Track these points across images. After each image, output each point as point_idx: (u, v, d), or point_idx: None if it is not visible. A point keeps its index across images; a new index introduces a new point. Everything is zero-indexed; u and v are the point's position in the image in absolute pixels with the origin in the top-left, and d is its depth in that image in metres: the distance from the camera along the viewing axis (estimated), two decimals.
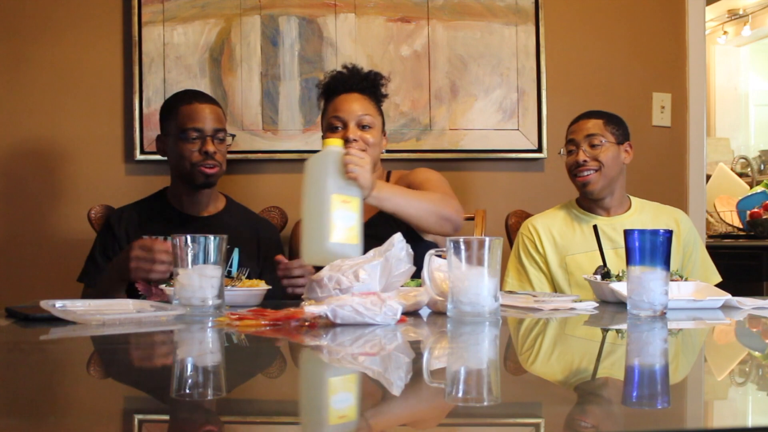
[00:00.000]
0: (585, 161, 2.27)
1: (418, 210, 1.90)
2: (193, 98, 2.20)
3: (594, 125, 2.31)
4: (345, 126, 2.14)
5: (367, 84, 2.22)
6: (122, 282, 1.94)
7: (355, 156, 1.68)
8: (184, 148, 2.14)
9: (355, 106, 2.15)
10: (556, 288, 2.32)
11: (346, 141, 2.09)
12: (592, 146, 2.28)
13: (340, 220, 1.62)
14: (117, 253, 2.12)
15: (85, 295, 2.12)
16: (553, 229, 2.35)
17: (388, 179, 2.26)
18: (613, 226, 2.28)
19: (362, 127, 2.14)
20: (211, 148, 2.13)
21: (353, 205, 1.66)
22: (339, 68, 2.29)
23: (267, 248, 2.22)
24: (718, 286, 2.32)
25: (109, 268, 2.02)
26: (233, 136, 2.26)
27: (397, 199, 1.86)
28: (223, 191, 2.35)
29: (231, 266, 2.15)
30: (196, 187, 2.18)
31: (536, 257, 2.34)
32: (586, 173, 2.28)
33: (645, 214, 2.35)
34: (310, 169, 1.69)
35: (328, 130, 2.17)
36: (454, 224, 1.99)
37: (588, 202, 2.36)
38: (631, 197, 2.40)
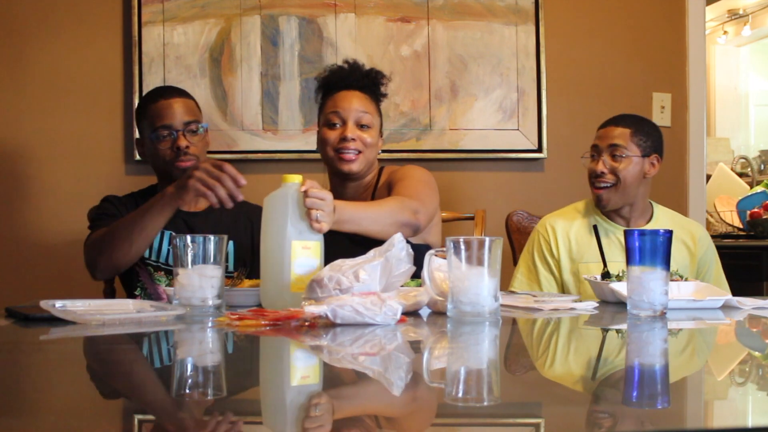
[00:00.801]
0: (603, 173, 2.19)
1: (376, 224, 1.83)
2: (160, 95, 2.15)
3: (620, 135, 2.20)
4: (344, 123, 2.08)
5: (368, 82, 2.17)
6: (171, 202, 1.88)
7: (317, 199, 1.60)
8: (158, 147, 2.11)
9: (355, 104, 2.09)
10: (564, 292, 2.28)
11: (344, 140, 2.06)
12: (614, 157, 2.19)
13: (300, 269, 1.56)
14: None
15: (96, 237, 2.02)
16: (571, 233, 2.27)
17: (379, 175, 2.23)
18: None
19: (361, 126, 2.09)
20: (182, 142, 2.08)
21: (314, 251, 1.60)
22: (339, 63, 2.24)
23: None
24: None
25: (155, 197, 1.97)
26: (204, 125, 2.18)
27: (357, 220, 1.79)
28: None
29: (227, 260, 2.13)
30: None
31: (549, 260, 2.28)
32: (602, 185, 2.19)
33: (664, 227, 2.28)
34: (270, 210, 1.62)
35: (326, 125, 2.11)
36: (412, 228, 1.92)
37: (606, 211, 2.27)
38: (655, 206, 2.32)
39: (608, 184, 2.19)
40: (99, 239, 2.01)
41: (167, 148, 2.10)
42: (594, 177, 2.22)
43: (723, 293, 1.70)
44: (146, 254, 2.09)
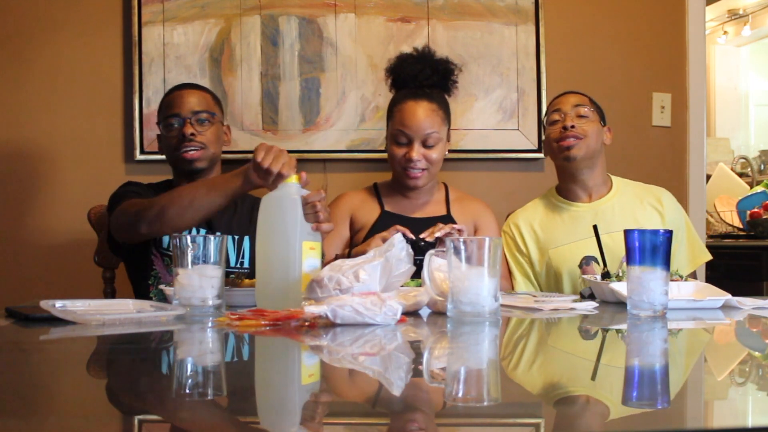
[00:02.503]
0: (573, 126, 2.20)
1: None
2: (174, 88, 2.18)
3: (580, 99, 2.28)
4: (410, 142, 2.15)
5: (437, 78, 2.22)
6: (242, 172, 1.80)
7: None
8: (166, 136, 2.11)
9: (423, 122, 2.14)
10: (540, 287, 2.28)
11: (409, 160, 2.13)
12: (579, 116, 2.23)
13: (308, 269, 1.58)
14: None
15: (145, 201, 1.95)
16: (535, 223, 2.29)
17: (447, 195, 2.28)
18: (594, 212, 2.24)
19: (427, 145, 2.15)
20: (188, 129, 2.07)
21: (317, 251, 1.63)
22: (410, 51, 2.30)
23: None
24: (721, 276, 2.31)
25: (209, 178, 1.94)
26: (213, 114, 2.15)
27: None
28: None
29: (243, 257, 2.13)
30: (189, 175, 2.12)
31: (520, 258, 2.29)
32: (572, 139, 2.20)
33: (626, 196, 2.29)
34: (272, 211, 1.62)
35: (393, 141, 2.17)
36: None
37: (569, 185, 2.29)
38: (613, 177, 2.34)
39: (579, 137, 2.21)
40: (152, 200, 1.92)
41: (174, 136, 2.10)
42: (563, 132, 2.22)
43: (723, 293, 1.70)
44: (165, 244, 2.08)
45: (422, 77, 2.20)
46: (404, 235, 1.81)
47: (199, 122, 2.11)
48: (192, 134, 2.07)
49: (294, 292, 1.55)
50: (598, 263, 1.99)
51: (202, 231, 2.09)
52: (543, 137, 2.34)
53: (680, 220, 2.29)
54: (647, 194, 2.31)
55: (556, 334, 1.45)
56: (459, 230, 1.94)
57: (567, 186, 2.31)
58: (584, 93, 2.33)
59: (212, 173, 2.16)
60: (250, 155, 2.82)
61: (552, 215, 2.30)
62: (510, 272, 2.32)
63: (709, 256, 2.30)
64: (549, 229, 2.27)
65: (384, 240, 1.86)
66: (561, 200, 2.31)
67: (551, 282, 2.25)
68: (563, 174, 2.30)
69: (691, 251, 2.28)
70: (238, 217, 2.18)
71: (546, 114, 2.32)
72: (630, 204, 2.26)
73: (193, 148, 2.08)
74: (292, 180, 1.66)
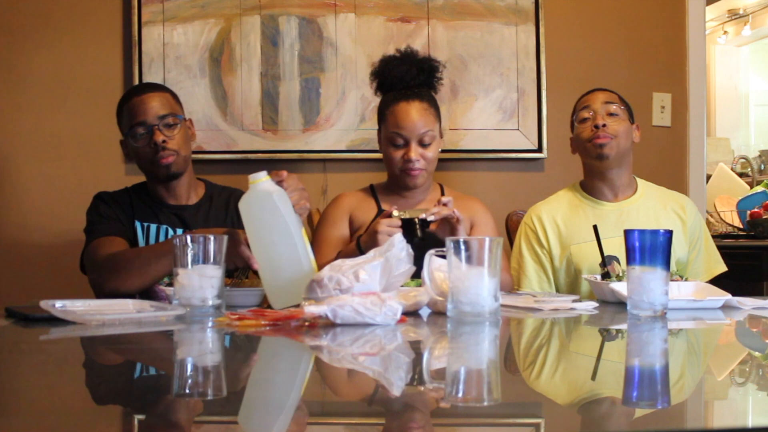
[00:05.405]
0: (605, 125, 2.18)
1: None
2: (133, 93, 2.10)
3: (610, 96, 2.26)
4: (406, 143, 2.15)
5: (424, 77, 2.23)
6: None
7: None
8: (137, 146, 2.06)
9: (417, 122, 2.14)
10: (556, 283, 2.26)
11: (408, 161, 2.14)
12: (610, 114, 2.21)
13: (311, 256, 1.62)
14: (118, 222, 2.06)
15: (102, 260, 1.94)
16: (558, 217, 2.26)
17: (443, 194, 2.28)
18: (620, 211, 2.23)
19: (423, 144, 2.16)
20: (158, 137, 2.02)
21: (307, 237, 1.65)
22: (393, 53, 2.28)
23: None
24: (722, 276, 2.30)
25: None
26: (179, 116, 2.09)
27: None
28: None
29: None
30: (166, 180, 2.09)
31: (538, 250, 2.26)
32: (604, 135, 2.17)
33: (651, 200, 2.27)
34: (258, 211, 1.60)
35: (389, 143, 2.17)
36: None
37: (596, 183, 2.26)
38: (638, 179, 2.33)
39: (609, 136, 2.18)
40: (106, 264, 1.92)
41: (145, 145, 2.04)
42: (595, 130, 2.19)
43: (723, 293, 1.70)
44: None
45: (409, 77, 2.21)
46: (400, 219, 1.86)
47: (167, 126, 2.05)
48: (164, 141, 2.03)
49: (309, 279, 1.53)
50: (619, 263, 1.97)
51: (179, 231, 2.07)
52: (571, 135, 2.31)
53: (700, 229, 2.28)
54: (671, 200, 2.30)
55: (555, 334, 1.45)
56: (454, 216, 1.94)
57: (594, 184, 2.28)
58: (613, 90, 2.31)
59: (187, 174, 2.12)
60: (250, 155, 2.86)
61: (576, 211, 2.26)
62: (518, 266, 2.29)
63: (724, 268, 2.28)
64: (572, 225, 2.25)
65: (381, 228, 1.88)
66: (586, 197, 2.29)
67: (570, 278, 2.22)
68: (591, 172, 2.27)
69: (707, 261, 2.27)
70: (214, 212, 2.16)
71: (574, 111, 2.29)
72: (654, 207, 2.25)
73: (167, 154, 2.04)
74: (266, 176, 1.62)
